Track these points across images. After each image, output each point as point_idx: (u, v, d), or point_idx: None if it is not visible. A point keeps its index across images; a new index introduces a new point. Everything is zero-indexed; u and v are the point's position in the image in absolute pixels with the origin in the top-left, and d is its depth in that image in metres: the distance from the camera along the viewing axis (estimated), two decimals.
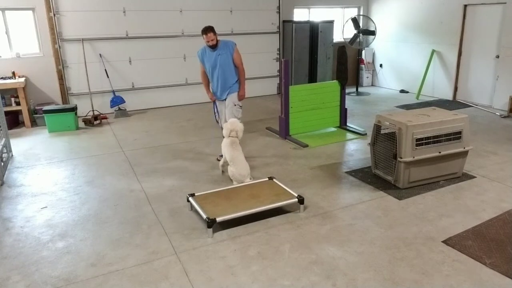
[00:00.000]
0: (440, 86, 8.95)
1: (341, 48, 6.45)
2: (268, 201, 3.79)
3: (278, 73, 9.42)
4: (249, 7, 8.82)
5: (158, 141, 6.20)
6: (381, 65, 10.40)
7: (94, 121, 7.17)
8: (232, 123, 4.67)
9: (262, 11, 8.98)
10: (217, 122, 5.41)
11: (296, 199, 3.83)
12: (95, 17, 7.54)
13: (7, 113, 6.45)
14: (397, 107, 8.20)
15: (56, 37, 7.32)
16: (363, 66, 10.41)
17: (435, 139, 4.24)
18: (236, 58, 4.98)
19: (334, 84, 6.52)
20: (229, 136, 4.59)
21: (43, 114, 6.81)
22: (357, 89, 9.74)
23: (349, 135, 6.29)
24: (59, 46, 7.38)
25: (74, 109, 6.90)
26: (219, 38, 4.94)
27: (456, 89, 8.69)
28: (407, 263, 3.06)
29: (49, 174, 4.95)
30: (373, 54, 10.56)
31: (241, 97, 5.12)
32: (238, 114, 5.13)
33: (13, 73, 7.08)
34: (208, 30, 4.83)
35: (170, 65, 8.36)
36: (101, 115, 7.51)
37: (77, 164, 5.27)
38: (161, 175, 4.85)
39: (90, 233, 3.57)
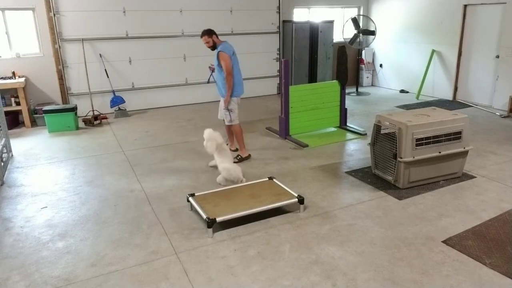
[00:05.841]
0: (440, 86, 8.95)
1: (341, 48, 6.45)
2: (268, 201, 3.79)
3: (278, 73, 9.42)
4: (249, 7, 8.81)
5: (158, 141, 6.20)
6: (381, 65, 10.40)
7: (94, 121, 7.17)
8: (207, 135, 4.65)
9: (262, 11, 8.98)
10: None
11: (296, 199, 3.83)
12: (95, 17, 7.54)
13: (7, 113, 6.44)
14: (397, 107, 8.20)
15: (56, 37, 7.32)
16: (363, 66, 10.41)
17: (435, 139, 4.24)
18: (222, 64, 4.91)
19: (334, 84, 6.52)
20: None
21: (43, 114, 6.81)
22: (357, 89, 9.74)
23: (349, 135, 6.29)
24: (59, 46, 7.38)
25: (74, 109, 6.90)
26: (222, 39, 5.00)
27: (456, 89, 8.69)
28: (407, 263, 3.06)
29: (49, 174, 4.95)
30: (373, 54, 10.56)
31: (225, 102, 5.08)
32: (227, 117, 5.12)
33: (13, 73, 7.08)
34: (202, 34, 4.94)
35: (170, 65, 8.36)
36: (101, 115, 7.51)
37: (77, 164, 5.27)
38: (161, 175, 4.85)
39: (90, 233, 3.57)
